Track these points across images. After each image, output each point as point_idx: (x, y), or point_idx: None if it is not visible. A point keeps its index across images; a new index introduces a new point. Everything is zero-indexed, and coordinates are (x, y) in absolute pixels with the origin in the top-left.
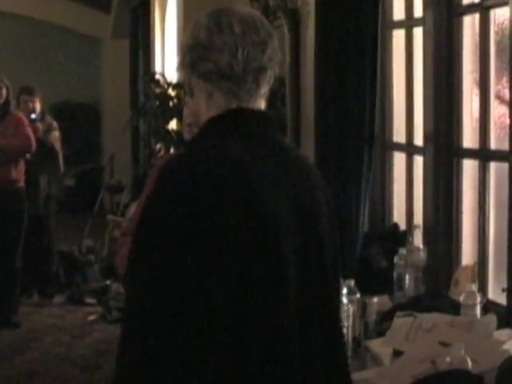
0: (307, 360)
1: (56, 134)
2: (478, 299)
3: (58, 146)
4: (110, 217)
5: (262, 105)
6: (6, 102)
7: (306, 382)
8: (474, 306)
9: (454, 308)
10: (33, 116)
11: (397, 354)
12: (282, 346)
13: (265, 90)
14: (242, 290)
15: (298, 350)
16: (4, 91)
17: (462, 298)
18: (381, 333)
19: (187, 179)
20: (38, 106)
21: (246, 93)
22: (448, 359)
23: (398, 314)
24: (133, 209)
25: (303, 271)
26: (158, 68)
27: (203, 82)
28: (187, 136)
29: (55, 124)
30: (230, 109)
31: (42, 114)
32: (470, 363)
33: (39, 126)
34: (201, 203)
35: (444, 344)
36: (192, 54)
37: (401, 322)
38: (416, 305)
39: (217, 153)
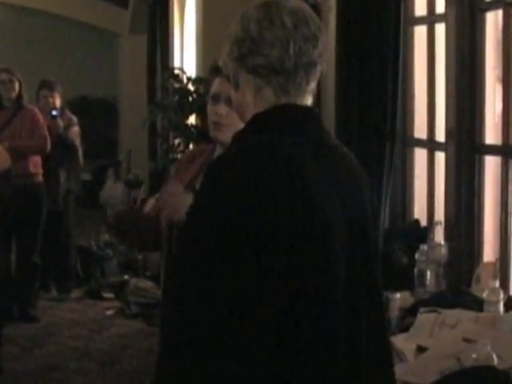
0: (353, 366)
1: (76, 129)
2: (501, 296)
3: (77, 141)
4: None
5: (309, 101)
6: (19, 96)
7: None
8: (497, 302)
9: (477, 304)
10: (54, 113)
11: (420, 349)
12: (329, 353)
13: (313, 85)
14: (290, 291)
15: (345, 355)
16: (16, 85)
17: (485, 295)
18: (403, 329)
19: (239, 176)
20: (58, 102)
21: (296, 88)
22: (474, 355)
23: (422, 310)
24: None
25: (351, 271)
26: (176, 63)
27: (252, 76)
28: (218, 135)
29: (75, 119)
30: (277, 105)
31: (62, 109)
32: (496, 359)
33: (60, 122)
34: (253, 201)
35: (468, 340)
36: (241, 47)
37: (424, 317)
38: (438, 301)
39: (267, 148)
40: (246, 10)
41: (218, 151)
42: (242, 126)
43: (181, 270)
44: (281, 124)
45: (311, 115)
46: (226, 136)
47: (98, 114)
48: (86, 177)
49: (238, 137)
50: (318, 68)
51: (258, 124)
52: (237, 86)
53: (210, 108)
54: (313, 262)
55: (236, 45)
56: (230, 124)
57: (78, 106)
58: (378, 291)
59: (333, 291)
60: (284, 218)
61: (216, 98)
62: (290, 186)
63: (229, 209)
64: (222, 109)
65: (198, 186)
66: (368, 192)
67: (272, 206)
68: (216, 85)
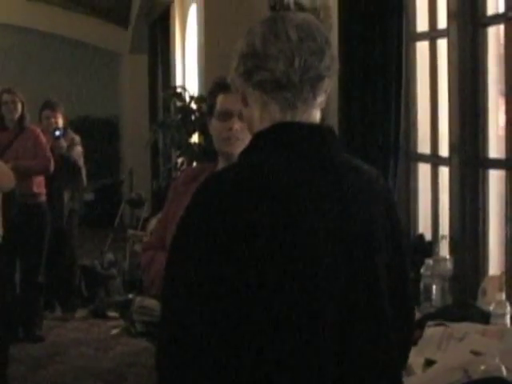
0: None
1: (79, 149)
2: (508, 308)
3: (80, 161)
4: (130, 231)
5: (317, 115)
6: (22, 117)
7: None
8: (504, 315)
9: (484, 317)
10: (57, 133)
11: (429, 363)
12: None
13: (321, 99)
14: (270, 308)
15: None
16: (19, 106)
17: (491, 308)
18: None
19: (218, 194)
20: (60, 122)
21: (303, 103)
22: (482, 367)
23: (429, 323)
24: (154, 223)
25: (348, 290)
26: (178, 81)
27: (258, 91)
28: (233, 149)
29: (77, 139)
30: (278, 123)
31: (65, 129)
32: (504, 371)
33: (62, 142)
34: (228, 220)
35: (476, 353)
36: (247, 62)
37: (432, 331)
38: (445, 315)
39: (254, 170)
40: (252, 25)
41: (222, 167)
42: None
43: (166, 284)
44: (277, 144)
45: (314, 132)
46: (241, 150)
47: (99, 134)
48: (89, 196)
49: (240, 155)
50: (326, 81)
51: (257, 142)
52: (246, 102)
53: (218, 124)
54: (295, 278)
55: (242, 60)
56: (244, 138)
57: (80, 125)
58: (383, 315)
59: (317, 310)
60: (265, 237)
61: (228, 114)
62: (272, 209)
63: (210, 224)
64: (237, 124)
65: None
66: (387, 211)
67: (249, 227)
68: (225, 101)
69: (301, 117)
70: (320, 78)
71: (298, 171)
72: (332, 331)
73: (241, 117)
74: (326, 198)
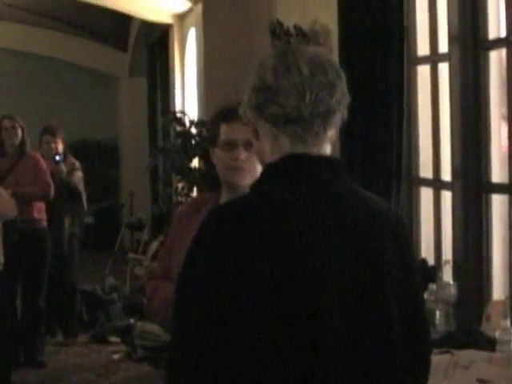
0: None
1: (79, 174)
2: None
3: (81, 186)
4: (130, 255)
5: (327, 148)
6: (22, 143)
7: None
8: (509, 341)
9: (489, 344)
10: (57, 158)
11: None
12: None
13: (332, 133)
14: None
15: None
16: (19, 131)
17: (497, 334)
18: None
19: (226, 226)
20: (60, 147)
21: (313, 136)
22: None
23: (435, 351)
24: (154, 246)
25: (355, 325)
26: (177, 105)
27: (269, 125)
28: (238, 179)
29: (78, 164)
30: (288, 155)
31: (65, 154)
32: None
33: (63, 167)
34: (236, 252)
35: (482, 381)
36: (258, 96)
37: (438, 359)
38: (450, 341)
39: (262, 202)
40: (263, 57)
41: (225, 197)
42: (258, 171)
43: (175, 312)
44: (286, 176)
45: (323, 164)
46: (246, 181)
47: (99, 157)
48: (89, 220)
49: (251, 186)
50: (337, 115)
51: (266, 174)
52: (257, 135)
53: (223, 154)
54: (298, 308)
55: (253, 93)
56: (250, 168)
57: (79, 148)
58: (393, 349)
59: (321, 341)
60: (273, 268)
61: (233, 144)
62: (278, 240)
63: (218, 255)
64: (243, 154)
65: None
66: (398, 243)
67: (256, 260)
68: (230, 130)
69: (311, 150)
70: (331, 113)
71: (307, 204)
72: (340, 365)
73: (246, 146)
74: (334, 231)
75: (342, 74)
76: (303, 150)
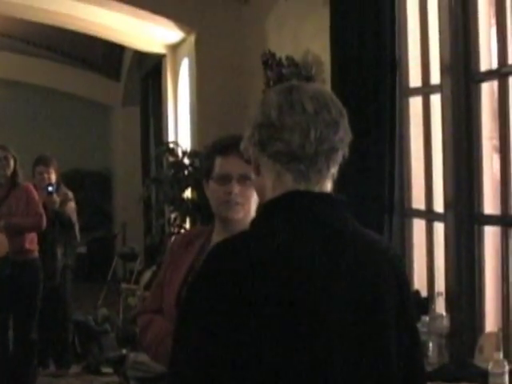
0: None
1: (72, 204)
2: (506, 367)
3: (74, 217)
4: (123, 285)
5: (328, 186)
6: (14, 173)
7: None
8: (502, 374)
9: (482, 376)
10: (50, 189)
11: None
12: None
13: (334, 170)
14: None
15: None
16: (12, 162)
17: (489, 367)
18: None
19: (227, 264)
20: (53, 177)
21: (316, 174)
22: None
23: None
24: (147, 276)
25: (356, 362)
26: (170, 135)
27: (272, 161)
28: (232, 214)
29: (71, 194)
30: (290, 191)
31: (58, 184)
32: None
33: (55, 198)
34: (237, 288)
35: None
36: (261, 132)
37: None
38: (443, 373)
39: (263, 239)
40: (266, 94)
41: (219, 231)
42: (254, 204)
43: (174, 351)
44: (290, 211)
45: (325, 202)
46: (241, 215)
47: (91, 187)
48: (81, 250)
49: (251, 223)
50: (340, 153)
51: (268, 211)
52: (258, 171)
53: (217, 188)
54: (300, 355)
55: (256, 130)
56: (243, 202)
57: (72, 178)
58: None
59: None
60: (275, 308)
61: (227, 178)
62: (277, 279)
63: (218, 294)
64: (236, 188)
65: None
66: (396, 282)
67: (260, 295)
68: (224, 164)
69: (314, 187)
70: (334, 151)
71: (308, 242)
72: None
73: (240, 181)
74: (335, 269)
75: (345, 112)
76: (306, 186)
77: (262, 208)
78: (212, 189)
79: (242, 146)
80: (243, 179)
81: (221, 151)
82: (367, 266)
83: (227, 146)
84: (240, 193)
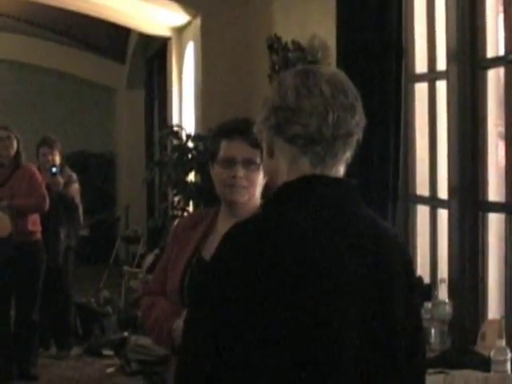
0: None
1: (76, 186)
2: (509, 355)
3: (77, 198)
4: (125, 268)
5: (342, 170)
6: (17, 154)
7: None
8: (504, 361)
9: (484, 363)
10: (53, 170)
11: None
12: None
13: (349, 154)
14: (291, 364)
15: None
16: (14, 143)
17: (492, 354)
18: None
19: (244, 246)
20: (57, 159)
21: (333, 158)
22: None
23: (429, 371)
24: (149, 259)
25: (366, 347)
26: (175, 118)
27: (289, 145)
28: (236, 197)
29: (74, 176)
30: (306, 175)
31: (62, 166)
32: None
33: (59, 179)
34: (253, 272)
35: None
36: (278, 115)
37: (433, 379)
38: (444, 360)
39: (279, 222)
40: (282, 77)
41: (224, 214)
42: (258, 188)
43: (187, 331)
44: (303, 196)
45: (340, 187)
46: (245, 198)
47: (95, 170)
48: (84, 232)
49: (264, 204)
50: (355, 137)
51: (281, 194)
52: (271, 154)
53: (221, 171)
54: (314, 337)
55: (273, 113)
56: (248, 186)
57: (76, 161)
58: (399, 370)
59: (334, 369)
60: (286, 289)
61: (232, 161)
62: (294, 263)
63: (234, 278)
64: (241, 171)
65: (203, 252)
66: (405, 269)
67: (274, 280)
68: (229, 147)
69: (329, 171)
70: (350, 135)
71: (323, 227)
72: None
73: (244, 164)
74: (350, 255)
75: (359, 97)
76: (322, 170)
77: (277, 191)
78: (217, 172)
79: (256, 128)
80: (248, 163)
81: (226, 135)
82: (380, 251)
83: (232, 130)
84: (245, 176)
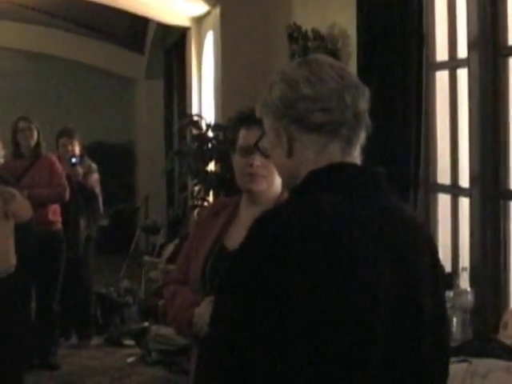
0: None
1: (95, 176)
2: None
3: (97, 188)
4: (146, 258)
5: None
6: (38, 145)
7: None
8: None
9: (507, 352)
10: (73, 160)
11: None
12: None
13: (364, 134)
14: (323, 354)
15: None
16: (35, 133)
17: None
18: None
19: (278, 234)
20: (77, 149)
21: (357, 138)
22: None
23: (452, 359)
24: (169, 250)
25: (395, 336)
26: (194, 108)
27: (315, 134)
28: (255, 186)
29: (94, 166)
30: (334, 163)
31: (81, 156)
32: None
33: (79, 169)
34: (289, 260)
35: None
36: (296, 108)
37: (455, 368)
38: (467, 350)
39: (314, 209)
40: (281, 73)
41: (246, 203)
42: (276, 177)
43: (215, 318)
44: (334, 183)
45: (370, 175)
46: (263, 187)
47: (114, 160)
48: (104, 222)
49: (292, 192)
50: (367, 115)
51: (313, 181)
52: (290, 154)
53: (239, 160)
54: (351, 325)
55: (290, 108)
56: (266, 175)
57: (95, 151)
58: (426, 365)
59: (368, 359)
60: (322, 278)
61: (249, 150)
62: (330, 250)
63: (267, 265)
64: (258, 160)
65: (226, 241)
66: (431, 258)
67: (310, 267)
68: (247, 137)
69: (355, 152)
70: (365, 112)
71: (355, 216)
72: (381, 370)
73: (262, 153)
74: (381, 244)
75: None
76: (350, 153)
77: (305, 179)
78: (236, 161)
79: (268, 127)
80: (266, 151)
81: (244, 123)
82: (408, 240)
83: (250, 118)
84: (262, 165)
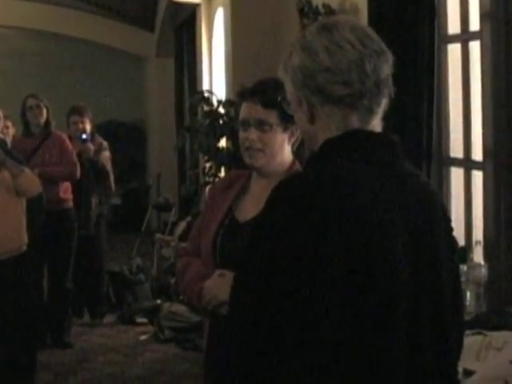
0: None
1: (106, 153)
2: None
3: (108, 165)
4: (158, 235)
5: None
6: (47, 122)
7: None
8: None
9: None
10: (83, 136)
11: (467, 373)
12: (387, 378)
13: (387, 100)
14: (347, 320)
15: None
16: (44, 111)
17: None
18: None
19: (298, 203)
20: (88, 127)
21: (378, 106)
22: None
23: (467, 332)
24: (181, 227)
25: (415, 303)
26: (205, 85)
27: (337, 107)
28: (253, 161)
29: (105, 144)
30: (349, 131)
31: (92, 133)
32: None
33: (90, 146)
34: (309, 229)
35: None
36: (316, 79)
37: (470, 340)
38: (481, 322)
39: (332, 177)
40: (302, 39)
41: (254, 177)
42: (276, 150)
43: (237, 285)
44: (351, 151)
45: (385, 142)
46: (260, 162)
47: (126, 138)
48: (116, 201)
49: (309, 162)
50: (390, 80)
51: (329, 149)
52: (313, 121)
53: (240, 134)
54: (372, 288)
55: (309, 78)
56: (262, 148)
57: (106, 129)
58: (446, 332)
59: (391, 323)
60: (342, 245)
61: (246, 124)
62: (349, 217)
63: (288, 233)
64: (253, 133)
65: (236, 213)
66: (445, 225)
67: (329, 234)
68: (244, 110)
69: (375, 120)
70: (387, 78)
71: (373, 180)
72: (404, 343)
73: (258, 126)
74: (401, 212)
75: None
76: (371, 122)
77: (321, 147)
78: (239, 135)
79: (289, 96)
80: (260, 124)
81: (244, 97)
82: (425, 208)
83: (247, 92)
84: (258, 138)
